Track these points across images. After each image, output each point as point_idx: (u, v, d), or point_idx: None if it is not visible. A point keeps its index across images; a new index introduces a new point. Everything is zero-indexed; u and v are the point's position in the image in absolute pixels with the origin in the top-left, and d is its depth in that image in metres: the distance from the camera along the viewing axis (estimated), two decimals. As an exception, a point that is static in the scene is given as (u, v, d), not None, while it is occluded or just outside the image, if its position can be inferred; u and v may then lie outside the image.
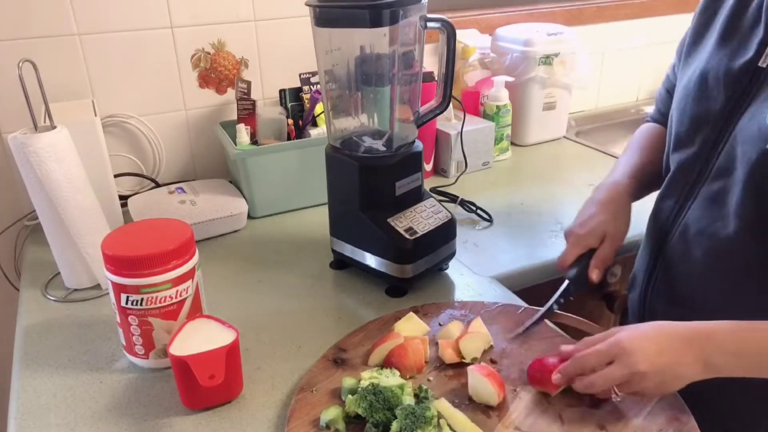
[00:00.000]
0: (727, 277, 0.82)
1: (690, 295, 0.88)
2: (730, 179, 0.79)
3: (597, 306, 1.27)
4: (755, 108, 0.77)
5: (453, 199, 1.31)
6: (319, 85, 1.34)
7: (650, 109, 1.12)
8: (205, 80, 1.38)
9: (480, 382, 0.75)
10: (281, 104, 1.39)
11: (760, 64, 0.78)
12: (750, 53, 0.79)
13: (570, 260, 0.92)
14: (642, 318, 0.96)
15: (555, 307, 0.90)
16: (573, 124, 1.78)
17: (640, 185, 0.98)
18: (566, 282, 0.89)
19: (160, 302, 0.80)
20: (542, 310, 0.90)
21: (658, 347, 0.70)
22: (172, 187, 1.30)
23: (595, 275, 0.90)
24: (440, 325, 0.90)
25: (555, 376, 0.75)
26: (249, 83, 1.34)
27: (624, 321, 1.08)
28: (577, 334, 0.91)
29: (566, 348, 0.77)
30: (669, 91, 1.02)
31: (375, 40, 0.94)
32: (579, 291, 0.85)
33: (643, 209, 0.99)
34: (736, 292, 0.82)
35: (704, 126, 0.83)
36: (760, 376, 0.72)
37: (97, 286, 1.04)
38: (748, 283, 0.80)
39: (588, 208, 0.95)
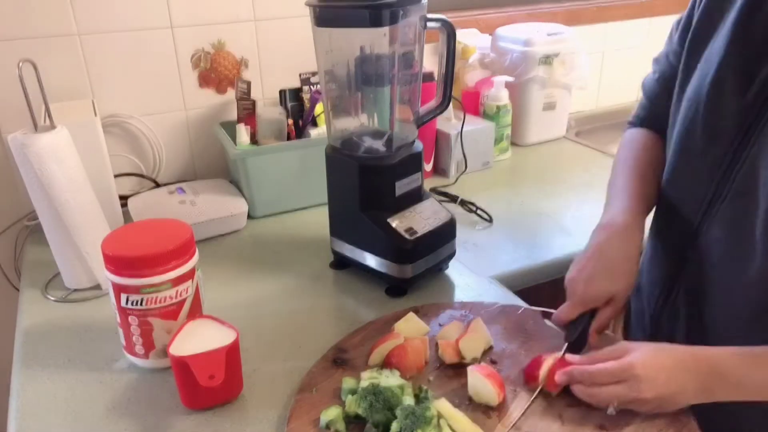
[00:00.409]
0: (757, 304, 0.78)
1: (713, 321, 0.84)
2: (753, 201, 0.74)
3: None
4: None
5: (453, 199, 1.31)
6: (319, 85, 1.34)
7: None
8: (205, 80, 1.38)
9: (480, 382, 0.75)
10: (281, 104, 1.39)
11: None
12: (765, 66, 0.73)
13: (571, 318, 0.85)
14: (652, 336, 0.93)
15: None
16: (573, 124, 1.78)
17: (644, 217, 0.90)
18: (565, 345, 0.82)
19: (160, 302, 0.80)
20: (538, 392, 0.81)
21: (667, 377, 0.71)
22: (172, 187, 1.30)
23: (595, 340, 0.84)
24: (440, 325, 0.89)
25: (560, 376, 0.75)
26: (249, 83, 1.34)
27: (627, 325, 1.07)
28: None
29: (572, 358, 0.77)
30: (665, 86, 0.92)
31: (375, 40, 0.94)
32: (575, 352, 0.80)
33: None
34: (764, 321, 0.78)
35: (719, 140, 0.78)
36: (757, 400, 0.72)
37: (97, 286, 1.04)
38: None
39: (592, 256, 0.86)
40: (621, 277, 0.84)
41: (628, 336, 1.05)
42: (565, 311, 0.85)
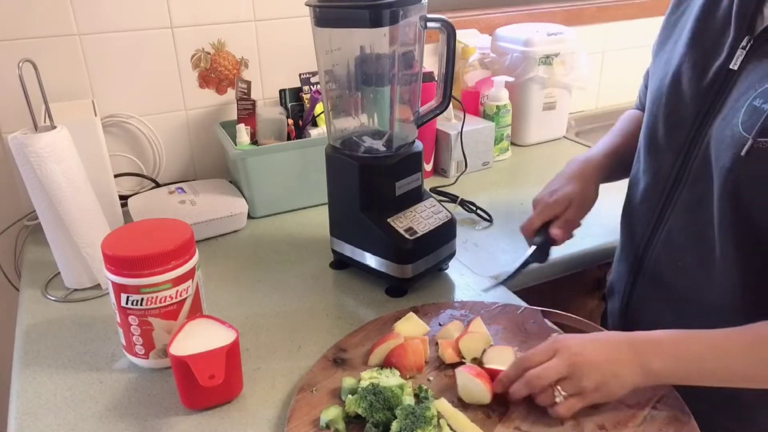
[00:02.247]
0: (718, 284, 0.80)
1: (679, 306, 0.86)
2: (707, 186, 0.78)
3: (597, 306, 1.27)
4: (727, 111, 0.76)
5: (453, 199, 1.31)
6: (319, 85, 1.34)
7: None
8: (205, 80, 1.38)
9: (471, 382, 0.75)
10: (281, 104, 1.39)
11: (731, 67, 0.77)
12: (722, 56, 0.78)
13: (535, 227, 0.96)
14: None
15: (517, 273, 0.96)
16: (573, 124, 1.78)
17: (612, 165, 1.00)
18: (531, 248, 0.91)
19: (160, 302, 0.80)
20: (510, 272, 0.95)
21: (598, 344, 0.73)
22: (172, 187, 1.30)
23: (557, 233, 0.93)
24: (440, 325, 0.90)
25: (495, 385, 0.75)
26: (249, 83, 1.34)
27: (604, 325, 1.08)
28: (574, 333, 0.91)
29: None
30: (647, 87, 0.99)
31: (375, 40, 0.94)
32: (542, 259, 0.89)
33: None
34: (729, 304, 0.79)
35: (679, 130, 0.82)
36: (701, 383, 0.72)
37: (97, 286, 1.04)
38: (744, 293, 0.78)
39: (557, 179, 0.99)
40: (581, 187, 0.96)
41: None
42: (529, 221, 0.97)
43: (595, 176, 0.98)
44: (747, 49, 0.76)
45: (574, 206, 0.95)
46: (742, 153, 0.71)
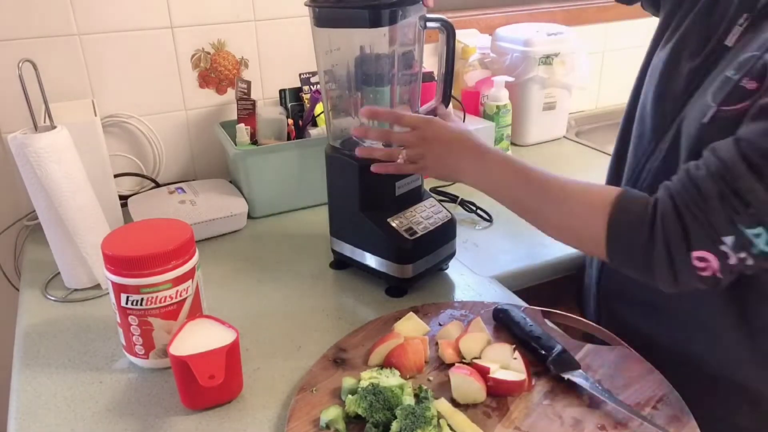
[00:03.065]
0: None
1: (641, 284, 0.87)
2: (677, 153, 0.80)
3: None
4: (708, 84, 0.77)
5: (453, 199, 1.31)
6: (319, 85, 1.34)
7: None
8: (205, 80, 1.38)
9: (465, 382, 0.75)
10: (281, 104, 1.39)
11: (726, 43, 0.77)
12: (719, 32, 0.79)
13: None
14: (597, 306, 1.01)
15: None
16: (573, 124, 1.78)
17: None
18: None
19: (160, 302, 0.80)
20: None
21: (453, 139, 0.87)
22: (172, 187, 1.30)
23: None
24: (440, 325, 0.89)
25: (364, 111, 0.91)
26: (249, 83, 1.34)
27: (580, 303, 1.11)
28: (576, 334, 0.91)
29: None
30: None
31: (375, 40, 0.94)
32: None
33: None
34: None
35: (667, 103, 0.84)
36: (493, 197, 0.85)
37: (97, 286, 1.04)
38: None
39: None
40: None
41: (583, 313, 1.08)
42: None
43: None
44: (744, 26, 0.76)
45: None
46: (705, 120, 0.73)
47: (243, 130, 1.29)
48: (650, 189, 0.81)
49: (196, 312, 0.85)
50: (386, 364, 0.80)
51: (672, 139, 0.82)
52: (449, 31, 0.96)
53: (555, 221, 0.80)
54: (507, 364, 0.78)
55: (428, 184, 1.29)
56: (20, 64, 0.89)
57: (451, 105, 1.05)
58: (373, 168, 0.92)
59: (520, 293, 1.04)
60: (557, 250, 1.16)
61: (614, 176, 0.98)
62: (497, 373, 0.76)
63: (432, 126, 0.89)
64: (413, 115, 0.92)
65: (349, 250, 1.04)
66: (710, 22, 0.81)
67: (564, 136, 1.72)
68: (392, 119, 0.92)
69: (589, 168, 1.53)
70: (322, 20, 0.93)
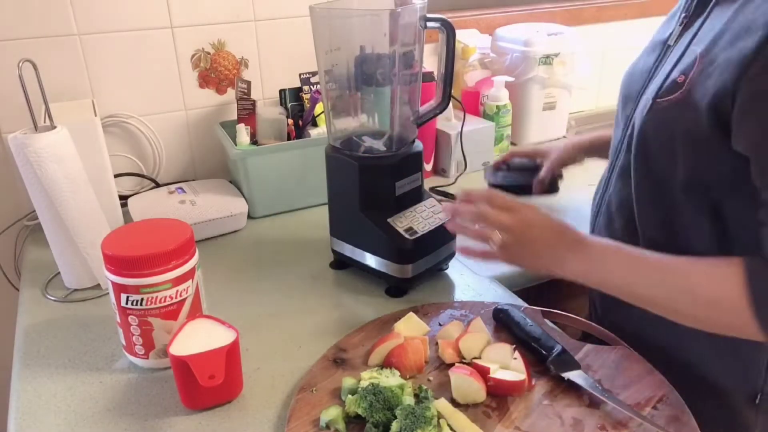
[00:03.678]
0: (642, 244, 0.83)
1: None
2: (630, 152, 0.84)
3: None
4: (651, 83, 0.81)
5: (453, 199, 1.31)
6: (319, 85, 1.34)
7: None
8: (205, 80, 1.38)
9: (465, 382, 0.75)
10: (281, 104, 1.39)
11: (669, 43, 0.83)
12: (668, 32, 0.84)
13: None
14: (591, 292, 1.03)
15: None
16: (573, 124, 1.78)
17: (595, 144, 1.12)
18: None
19: (160, 302, 0.80)
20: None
21: (546, 226, 0.81)
22: (172, 187, 1.30)
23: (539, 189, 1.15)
24: (440, 325, 0.89)
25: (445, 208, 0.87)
26: (249, 83, 1.34)
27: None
28: (576, 334, 0.91)
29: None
30: None
31: (375, 40, 0.94)
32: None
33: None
34: None
35: (628, 103, 0.87)
36: (611, 293, 0.78)
37: (97, 286, 1.04)
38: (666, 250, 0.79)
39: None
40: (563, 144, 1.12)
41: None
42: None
43: (578, 145, 1.13)
44: (682, 24, 0.81)
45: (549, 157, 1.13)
46: (644, 113, 0.79)
47: (243, 130, 1.29)
48: (616, 184, 0.89)
49: (196, 312, 0.85)
50: (386, 364, 0.80)
51: (629, 137, 0.85)
52: (449, 31, 0.96)
53: (689, 311, 0.73)
54: (507, 364, 0.78)
55: (428, 183, 1.29)
56: (20, 64, 0.89)
57: (450, 106, 1.06)
58: (458, 250, 0.89)
59: (520, 293, 1.04)
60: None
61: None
62: (497, 373, 0.76)
63: (531, 210, 0.82)
64: (509, 197, 0.84)
65: (349, 250, 1.04)
66: (667, 24, 0.87)
67: (564, 136, 1.72)
68: (486, 200, 0.84)
69: (589, 168, 1.53)
70: None
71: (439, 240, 1.02)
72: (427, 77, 1.34)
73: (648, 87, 0.83)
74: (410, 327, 0.86)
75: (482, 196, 0.85)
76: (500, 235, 0.81)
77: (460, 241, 0.86)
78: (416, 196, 1.03)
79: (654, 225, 0.83)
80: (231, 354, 0.76)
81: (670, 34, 0.83)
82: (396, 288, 1.01)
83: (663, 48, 0.84)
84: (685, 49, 0.77)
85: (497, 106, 1.52)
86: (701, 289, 0.71)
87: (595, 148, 1.12)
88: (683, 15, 0.82)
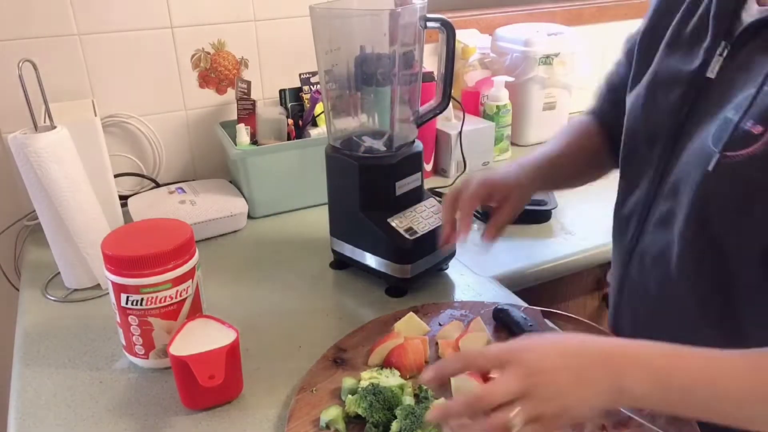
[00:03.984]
0: (680, 310, 0.75)
1: (650, 325, 0.81)
2: (677, 201, 0.73)
3: (597, 306, 1.27)
4: (703, 125, 0.70)
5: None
6: (319, 85, 1.34)
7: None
8: (205, 80, 1.38)
9: (465, 382, 0.75)
10: (281, 104, 1.39)
11: (708, 75, 0.71)
12: (697, 62, 0.73)
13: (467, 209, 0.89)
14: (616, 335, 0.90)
15: None
16: (573, 124, 1.78)
17: (547, 174, 0.93)
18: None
19: (160, 302, 0.80)
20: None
21: (563, 355, 0.59)
22: (172, 187, 1.30)
23: (491, 236, 0.91)
24: (440, 325, 0.89)
25: (426, 374, 0.61)
26: (249, 83, 1.34)
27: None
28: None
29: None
30: (610, 88, 0.95)
31: (375, 40, 0.94)
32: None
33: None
34: (692, 327, 0.75)
35: (657, 143, 0.77)
36: (685, 414, 0.62)
37: (97, 286, 1.04)
38: (702, 318, 0.73)
39: (504, 169, 0.92)
40: (513, 175, 0.90)
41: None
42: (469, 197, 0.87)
43: (530, 176, 0.92)
44: (724, 55, 0.70)
45: (507, 204, 0.89)
46: (709, 168, 0.66)
47: (243, 130, 1.29)
48: (651, 234, 0.78)
49: (196, 312, 0.85)
50: (386, 364, 0.80)
51: (673, 183, 0.74)
52: (449, 31, 0.96)
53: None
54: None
55: (428, 183, 1.29)
56: (20, 64, 0.89)
57: (450, 106, 1.04)
58: None
59: (520, 293, 1.04)
60: (557, 250, 1.16)
61: (623, 209, 0.88)
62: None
63: (526, 350, 0.59)
64: (490, 350, 0.62)
65: (349, 250, 1.04)
66: (682, 52, 0.76)
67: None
68: (463, 367, 0.63)
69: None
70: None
71: (439, 240, 1.02)
72: (427, 77, 1.34)
73: (688, 129, 0.73)
74: (410, 327, 0.86)
75: (459, 367, 0.62)
76: (518, 415, 0.55)
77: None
78: (416, 196, 1.03)
79: (709, 288, 0.71)
80: (231, 354, 0.76)
81: (701, 66, 0.72)
82: (396, 288, 1.01)
83: (695, 80, 0.73)
84: (757, 91, 0.64)
85: (497, 106, 1.52)
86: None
87: (555, 178, 0.97)
88: (723, 44, 0.70)
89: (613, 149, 0.91)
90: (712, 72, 0.71)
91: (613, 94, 0.93)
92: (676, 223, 0.73)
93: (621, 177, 0.88)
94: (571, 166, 0.96)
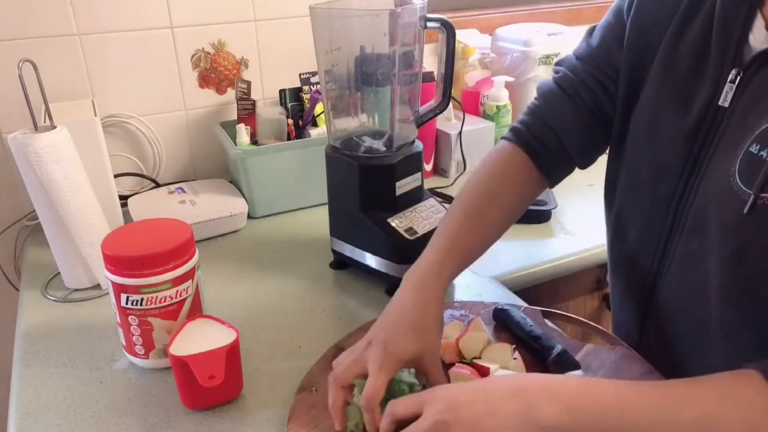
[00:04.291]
0: (716, 349, 0.71)
1: (684, 359, 0.77)
2: (706, 241, 0.68)
3: (597, 306, 1.27)
4: (722, 157, 0.66)
5: (451, 200, 1.31)
6: (319, 85, 1.34)
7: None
8: (205, 80, 1.38)
9: (463, 379, 0.75)
10: (281, 104, 1.39)
11: (720, 104, 0.67)
12: (705, 89, 0.68)
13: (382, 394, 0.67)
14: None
15: None
16: (573, 124, 1.78)
17: (455, 272, 0.81)
18: None
19: (160, 302, 0.80)
20: None
21: (479, 393, 0.59)
22: (172, 187, 1.30)
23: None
24: (440, 325, 0.89)
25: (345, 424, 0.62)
26: (249, 83, 1.34)
27: None
28: (576, 334, 0.91)
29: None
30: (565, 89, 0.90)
31: (375, 40, 0.94)
32: None
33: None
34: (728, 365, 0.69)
35: (668, 175, 0.73)
36: None
37: (97, 286, 1.04)
38: (740, 356, 0.66)
39: (394, 315, 0.76)
40: (427, 336, 0.73)
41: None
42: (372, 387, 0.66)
43: (440, 315, 0.76)
44: (737, 83, 0.66)
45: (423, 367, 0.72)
46: (745, 210, 0.61)
47: (243, 130, 1.29)
48: (679, 271, 0.73)
49: (196, 312, 0.85)
50: (386, 364, 0.80)
51: (696, 218, 0.70)
52: (449, 31, 0.96)
53: None
54: (507, 364, 0.78)
55: (428, 183, 1.29)
56: (20, 64, 0.89)
57: (450, 106, 1.04)
58: None
59: (520, 293, 1.04)
60: (557, 250, 1.16)
61: (629, 243, 0.83)
62: (497, 373, 0.76)
63: (443, 390, 0.62)
64: (404, 399, 0.62)
65: (349, 250, 1.04)
66: (683, 75, 0.71)
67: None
68: (391, 419, 0.61)
69: (589, 168, 1.53)
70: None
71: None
72: (427, 77, 1.34)
73: (703, 160, 0.69)
74: (410, 327, 0.86)
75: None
76: None
77: None
78: (416, 196, 1.03)
79: (745, 327, 0.67)
80: (231, 354, 0.76)
81: (714, 93, 0.68)
82: (396, 288, 1.01)
83: (706, 109, 0.68)
84: None
85: (497, 106, 1.52)
86: (723, 414, 0.57)
87: (473, 257, 0.84)
88: (734, 72, 0.66)
89: (540, 169, 0.86)
90: (725, 101, 0.67)
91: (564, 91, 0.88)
92: (708, 266, 0.68)
93: (618, 207, 0.84)
94: (481, 236, 0.83)
